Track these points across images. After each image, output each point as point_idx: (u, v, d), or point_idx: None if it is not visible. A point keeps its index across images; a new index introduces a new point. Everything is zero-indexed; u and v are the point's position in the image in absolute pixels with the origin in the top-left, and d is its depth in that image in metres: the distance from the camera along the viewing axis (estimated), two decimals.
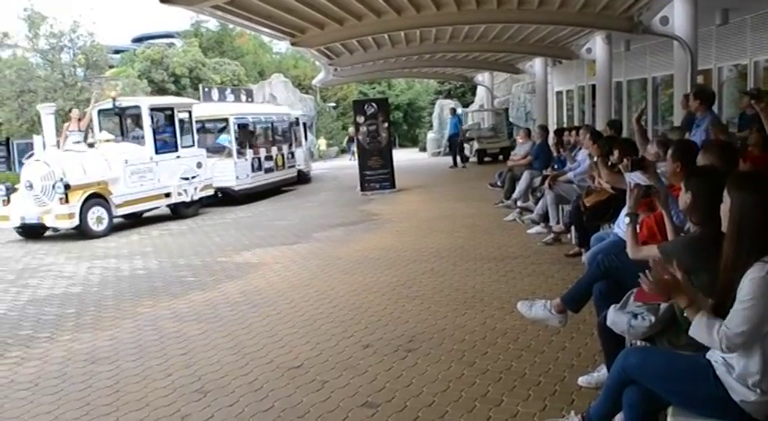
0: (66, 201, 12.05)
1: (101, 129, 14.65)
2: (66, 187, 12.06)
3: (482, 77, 31.55)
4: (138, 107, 14.54)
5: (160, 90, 33.81)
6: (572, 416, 3.54)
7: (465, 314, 5.96)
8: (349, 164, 29.75)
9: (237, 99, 20.76)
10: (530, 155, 11.99)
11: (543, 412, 3.89)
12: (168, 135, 14.69)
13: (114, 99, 14.79)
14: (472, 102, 36.39)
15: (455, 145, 24.82)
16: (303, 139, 23.16)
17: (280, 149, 20.10)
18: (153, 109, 14.37)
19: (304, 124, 25.68)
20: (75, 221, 12.09)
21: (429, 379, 4.50)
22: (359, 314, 6.20)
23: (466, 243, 9.45)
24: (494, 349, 5.00)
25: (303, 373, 4.75)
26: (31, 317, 6.88)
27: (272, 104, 24.67)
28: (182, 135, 14.91)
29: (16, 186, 13.00)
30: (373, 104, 18.03)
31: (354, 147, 36.64)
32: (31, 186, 12.43)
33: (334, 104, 47.00)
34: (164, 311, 6.78)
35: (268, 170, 18.96)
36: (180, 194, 14.66)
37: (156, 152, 14.16)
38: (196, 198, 15.19)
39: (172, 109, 14.88)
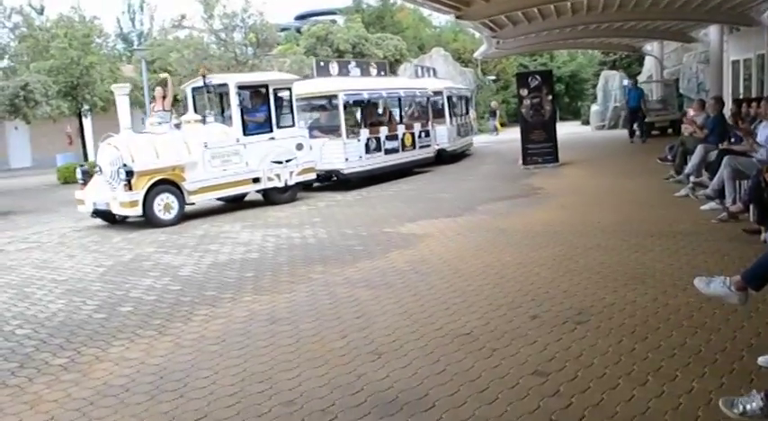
0: (130, 188, 11.29)
1: (195, 109, 13.83)
2: (129, 173, 11.30)
3: (651, 47, 30.35)
4: (226, 85, 13.43)
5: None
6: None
7: (635, 289, 5.85)
8: (508, 137, 29.29)
9: (365, 73, 18.73)
10: (705, 127, 11.43)
11: (720, 389, 3.79)
12: (262, 114, 13.50)
13: (204, 76, 13.50)
14: (639, 73, 34.89)
15: (637, 119, 23.81)
16: (448, 115, 21.63)
17: (409, 128, 18.36)
18: (241, 87, 13.21)
19: (465, 98, 25.36)
20: (139, 210, 11.39)
21: (599, 351, 4.49)
22: (525, 286, 6.24)
23: (634, 218, 9.21)
24: (666, 325, 4.90)
25: (473, 341, 4.86)
26: (214, 280, 7.38)
27: (431, 79, 23.81)
28: (279, 114, 13.70)
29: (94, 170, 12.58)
30: (537, 77, 17.73)
31: (496, 122, 36.49)
32: (101, 171, 12.09)
33: (494, 77, 46.60)
34: (336, 277, 7.09)
35: (390, 151, 17.26)
36: (271, 179, 13.43)
37: (246, 133, 13.06)
38: (291, 183, 13.82)
39: (266, 86, 13.55)
